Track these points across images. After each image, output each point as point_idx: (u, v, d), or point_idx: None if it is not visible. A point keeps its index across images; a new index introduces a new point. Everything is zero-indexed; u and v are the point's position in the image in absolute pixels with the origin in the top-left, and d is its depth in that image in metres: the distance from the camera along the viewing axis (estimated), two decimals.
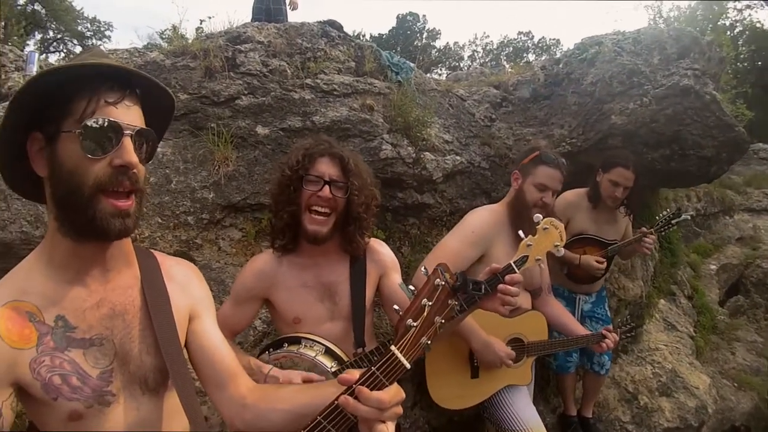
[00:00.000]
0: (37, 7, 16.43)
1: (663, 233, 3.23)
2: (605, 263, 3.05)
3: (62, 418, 0.95)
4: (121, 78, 0.94)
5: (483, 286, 1.65)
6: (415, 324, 0.99)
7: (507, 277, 1.62)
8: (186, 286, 1.19)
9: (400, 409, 0.95)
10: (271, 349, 1.85)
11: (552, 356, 3.30)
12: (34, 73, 3.20)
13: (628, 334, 2.88)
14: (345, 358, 1.81)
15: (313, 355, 1.75)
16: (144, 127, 0.97)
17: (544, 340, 2.48)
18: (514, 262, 1.70)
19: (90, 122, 0.89)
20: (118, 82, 0.94)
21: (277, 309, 1.89)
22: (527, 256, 1.72)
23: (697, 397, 4.05)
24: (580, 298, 3.32)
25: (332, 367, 1.74)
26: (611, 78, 3.57)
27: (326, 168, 1.78)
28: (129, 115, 0.94)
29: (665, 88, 3.45)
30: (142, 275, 1.10)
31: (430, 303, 1.01)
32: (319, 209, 1.75)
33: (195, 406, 1.06)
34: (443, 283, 1.02)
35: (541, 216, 1.75)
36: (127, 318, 1.04)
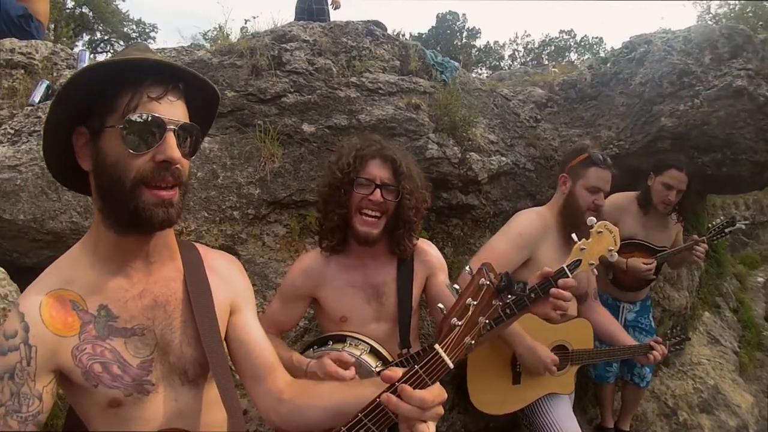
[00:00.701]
0: (85, 10, 17.15)
1: (714, 242, 3.10)
2: (653, 266, 2.94)
3: (102, 405, 0.97)
4: (165, 73, 0.94)
5: (536, 290, 1.61)
6: (459, 323, 0.98)
7: (560, 282, 1.58)
8: (228, 279, 1.19)
9: (441, 410, 0.94)
10: (316, 347, 1.85)
11: (592, 365, 3.21)
12: None
13: (677, 347, 2.77)
14: (390, 359, 1.80)
15: (359, 353, 1.74)
16: (188, 121, 0.97)
17: (589, 348, 2.41)
18: (567, 266, 1.66)
19: (133, 117, 0.90)
20: (161, 77, 0.94)
21: (324, 307, 1.89)
22: (580, 261, 1.68)
23: (739, 416, 3.89)
24: (624, 307, 3.22)
25: (377, 366, 1.74)
26: (661, 78, 3.46)
27: (377, 171, 1.76)
28: (172, 110, 0.94)
29: (717, 89, 3.33)
30: (185, 267, 1.11)
31: (475, 302, 0.99)
32: (370, 212, 1.74)
33: (234, 399, 1.07)
34: (488, 282, 1.01)
35: (595, 219, 1.70)
36: (168, 309, 1.05)
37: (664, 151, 3.44)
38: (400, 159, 1.80)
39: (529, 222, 2.35)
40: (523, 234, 2.30)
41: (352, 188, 1.75)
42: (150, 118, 0.90)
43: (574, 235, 1.69)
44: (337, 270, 1.87)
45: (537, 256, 2.29)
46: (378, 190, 1.73)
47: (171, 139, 0.92)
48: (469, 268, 1.07)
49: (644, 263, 2.90)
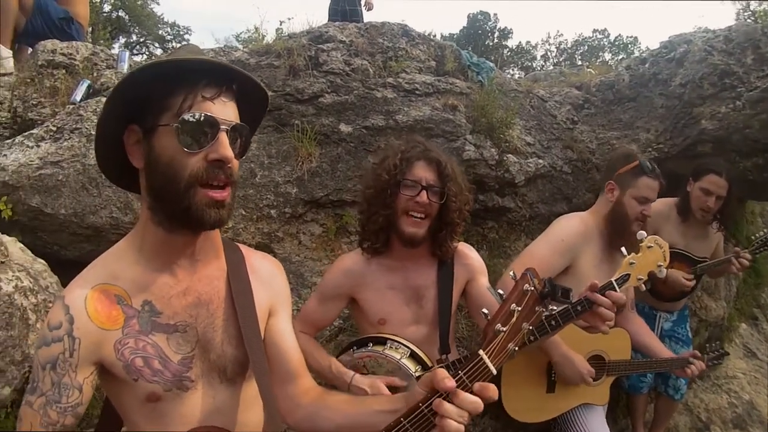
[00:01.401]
0: (121, 13, 17.68)
1: (757, 254, 2.99)
2: (693, 282, 2.85)
3: (140, 399, 0.98)
4: (219, 74, 0.95)
5: (582, 303, 1.57)
6: (503, 329, 0.96)
7: (608, 294, 1.54)
8: (269, 281, 1.20)
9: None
10: (355, 347, 1.84)
11: (625, 375, 3.13)
12: (125, 71, 3.38)
13: (715, 362, 2.67)
14: (429, 363, 1.78)
15: (398, 357, 1.73)
16: (239, 122, 0.98)
17: (626, 359, 2.34)
18: (616, 280, 1.62)
19: (187, 116, 0.91)
20: (215, 78, 0.94)
21: (363, 309, 1.87)
22: (629, 275, 1.64)
23: None
24: (660, 316, 3.13)
25: (416, 371, 1.72)
26: (701, 79, 3.35)
27: (423, 172, 1.74)
28: (225, 110, 0.95)
29: (760, 90, 3.22)
30: (229, 267, 1.11)
31: (519, 308, 0.97)
32: (415, 214, 1.72)
33: (272, 398, 1.08)
34: (532, 288, 0.99)
35: (645, 233, 1.66)
36: (211, 308, 1.06)
37: (704, 155, 3.34)
38: (445, 161, 1.78)
39: (572, 228, 2.29)
40: (566, 240, 2.24)
41: (398, 190, 1.74)
42: (204, 118, 0.91)
43: (623, 249, 1.66)
44: (378, 271, 1.85)
45: (578, 263, 2.24)
46: (424, 192, 1.72)
47: (224, 138, 0.93)
48: (513, 273, 1.04)
49: (684, 277, 2.81)
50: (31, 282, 2.26)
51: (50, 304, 2.31)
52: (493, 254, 3.14)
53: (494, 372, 0.94)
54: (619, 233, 2.19)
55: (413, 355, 1.76)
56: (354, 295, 1.88)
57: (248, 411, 1.10)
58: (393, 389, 1.68)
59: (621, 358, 2.32)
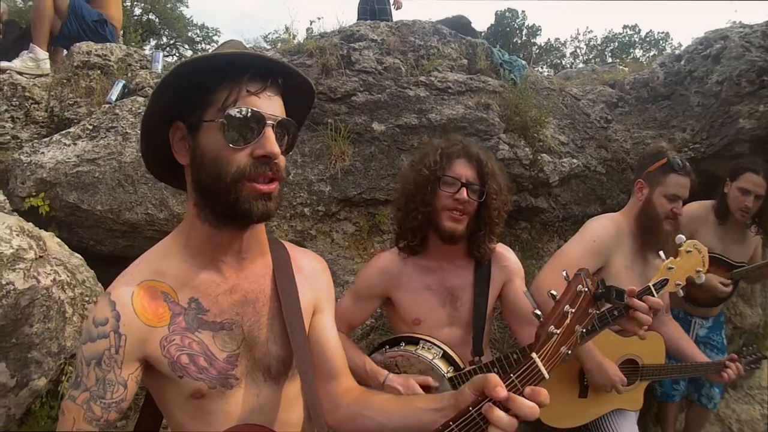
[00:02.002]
0: (152, 16, 18.09)
1: None
2: (731, 288, 2.76)
3: (184, 396, 0.97)
4: (263, 68, 0.93)
5: (619, 308, 1.52)
6: (557, 331, 0.92)
7: (646, 299, 1.49)
8: (313, 279, 1.18)
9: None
10: (388, 347, 1.83)
11: (658, 382, 3.04)
12: (160, 71, 3.41)
13: (752, 366, 2.57)
14: (461, 365, 1.75)
15: (431, 357, 1.70)
16: (285, 117, 0.95)
17: (660, 364, 2.27)
18: (653, 285, 1.57)
19: (232, 112, 0.89)
20: (260, 73, 0.92)
21: (398, 308, 1.85)
22: (667, 280, 1.59)
23: None
24: (695, 322, 3.03)
25: (448, 372, 1.69)
26: (739, 76, 3.25)
27: (463, 170, 1.72)
28: (271, 105, 0.93)
29: None
30: (274, 265, 1.10)
31: (572, 310, 0.93)
32: (455, 213, 1.69)
33: (316, 397, 1.07)
34: (585, 289, 0.95)
35: (684, 237, 1.61)
36: (257, 306, 1.04)
37: (741, 155, 3.24)
38: (486, 159, 1.75)
39: (604, 228, 2.24)
40: (598, 240, 2.19)
41: (438, 186, 1.71)
42: (249, 113, 0.89)
43: (662, 253, 1.62)
44: (414, 272, 1.82)
45: (610, 264, 2.19)
46: (464, 189, 1.69)
47: (270, 134, 0.91)
48: (566, 273, 1.00)
49: (721, 282, 2.72)
50: (68, 276, 2.29)
51: (87, 298, 2.34)
52: (526, 255, 3.09)
53: (547, 376, 0.90)
54: (650, 233, 2.14)
55: (445, 356, 1.74)
56: (389, 294, 1.85)
57: (289, 410, 1.09)
58: (425, 390, 1.66)
59: (655, 362, 2.26)
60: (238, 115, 0.89)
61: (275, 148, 0.91)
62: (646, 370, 2.23)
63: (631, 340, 2.18)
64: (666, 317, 2.41)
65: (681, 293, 1.64)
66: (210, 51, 1.05)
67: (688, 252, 1.60)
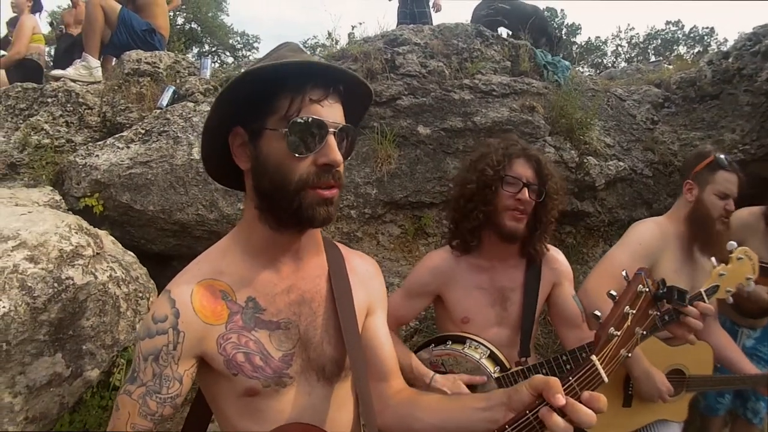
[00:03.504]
0: (194, 25, 18.59)
1: None
2: None
3: (238, 393, 0.97)
4: (325, 75, 0.92)
5: (670, 313, 1.48)
6: (617, 333, 0.89)
7: (698, 305, 1.45)
8: (367, 281, 1.18)
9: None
10: (434, 345, 1.82)
11: (702, 394, 2.93)
12: (208, 77, 3.50)
13: None
14: (507, 365, 1.73)
15: (478, 357, 1.69)
16: (346, 123, 0.95)
17: (707, 374, 2.20)
18: (705, 291, 1.54)
19: (296, 120, 0.89)
20: (322, 80, 0.92)
21: (447, 306, 1.85)
22: (718, 286, 1.56)
23: None
24: (742, 332, 2.92)
25: (495, 372, 1.68)
26: None
27: (523, 170, 1.71)
28: (333, 112, 0.92)
29: None
30: (330, 266, 1.10)
31: (633, 311, 0.91)
32: (516, 213, 1.69)
33: (370, 399, 1.06)
34: (646, 290, 0.92)
35: (735, 244, 1.59)
36: (313, 306, 1.04)
37: None
38: (544, 160, 1.75)
39: (650, 231, 2.19)
40: (644, 243, 2.14)
41: (501, 186, 1.70)
42: (313, 121, 0.89)
43: (713, 259, 1.60)
44: (466, 270, 1.82)
45: (658, 268, 2.13)
46: (525, 189, 1.68)
47: (332, 141, 0.91)
48: (626, 273, 0.98)
49: None
50: (123, 273, 2.37)
51: (140, 294, 2.42)
52: (571, 260, 3.00)
53: (606, 380, 0.87)
54: (702, 233, 2.09)
55: (492, 356, 1.72)
56: (440, 292, 1.85)
57: (340, 411, 1.09)
58: (471, 389, 1.65)
59: (702, 372, 2.19)
60: (301, 123, 0.89)
61: (338, 156, 0.91)
62: (693, 380, 2.16)
63: (678, 349, 2.13)
64: (714, 325, 2.33)
65: (730, 300, 1.62)
66: (268, 55, 1.03)
67: (739, 259, 1.58)
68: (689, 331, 1.45)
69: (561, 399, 0.83)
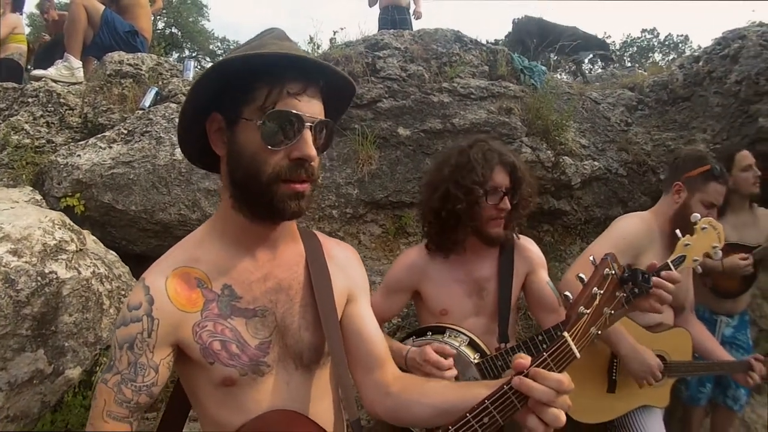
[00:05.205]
0: (174, 30, 18.32)
1: None
2: (751, 261, 2.77)
3: (215, 383, 0.97)
4: (306, 68, 0.91)
5: (640, 286, 1.54)
6: (587, 311, 0.94)
7: (664, 273, 1.50)
8: (346, 268, 1.17)
9: (568, 401, 0.87)
10: (414, 337, 1.86)
11: (684, 385, 3.03)
12: (191, 79, 3.52)
13: None
14: (487, 352, 1.77)
15: (458, 344, 1.73)
16: (323, 118, 0.95)
17: (688, 360, 2.28)
18: (672, 261, 1.58)
19: (272, 113, 0.88)
20: (302, 73, 0.91)
21: (426, 300, 1.89)
22: (685, 256, 1.60)
23: None
24: (721, 321, 3.02)
25: (475, 358, 1.72)
26: (758, 75, 3.26)
27: (502, 178, 1.76)
28: (311, 106, 0.92)
29: None
30: (307, 254, 1.10)
31: (601, 292, 0.96)
32: (498, 220, 1.75)
33: (349, 384, 1.06)
34: (612, 272, 0.97)
35: (699, 215, 1.63)
36: (290, 293, 1.04)
37: (764, 155, 3.25)
38: (518, 164, 1.81)
39: (633, 226, 2.25)
40: (627, 238, 2.20)
41: (485, 199, 1.75)
42: (289, 115, 0.89)
43: (678, 231, 1.64)
44: (442, 265, 1.87)
45: (640, 263, 2.19)
46: (506, 198, 1.74)
47: (308, 136, 0.90)
48: (593, 258, 1.04)
49: (741, 258, 2.73)
50: (106, 270, 2.36)
51: (122, 292, 2.41)
52: (549, 258, 3.08)
53: (578, 355, 0.91)
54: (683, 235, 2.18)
55: (472, 344, 1.76)
56: (418, 288, 1.90)
57: (321, 399, 1.09)
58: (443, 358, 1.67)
59: (682, 358, 2.27)
60: (276, 116, 0.88)
61: (312, 151, 0.90)
62: (674, 366, 2.23)
63: (659, 335, 2.18)
64: (691, 317, 2.41)
65: (699, 269, 1.64)
66: (253, 40, 1.01)
67: (703, 229, 1.62)
68: (659, 302, 1.50)
69: (522, 360, 0.87)
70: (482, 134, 2.39)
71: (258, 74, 0.90)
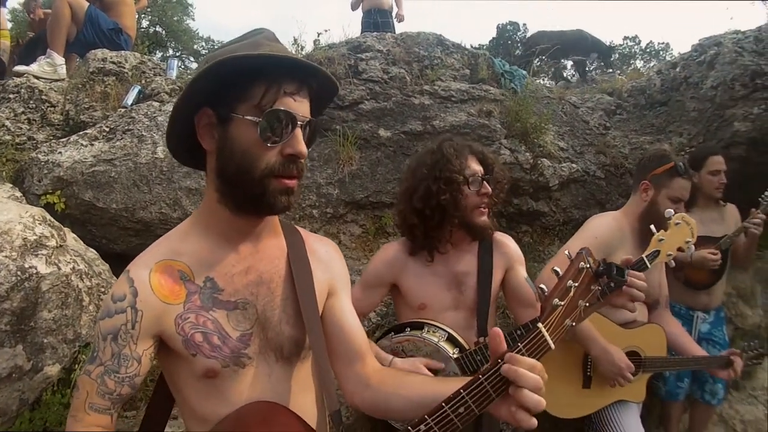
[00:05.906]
0: (159, 29, 18.05)
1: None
2: (719, 254, 2.84)
3: (197, 375, 0.99)
4: (301, 71, 0.96)
5: (614, 281, 1.58)
6: (561, 303, 0.96)
7: (632, 273, 1.56)
8: (327, 262, 1.20)
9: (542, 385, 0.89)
10: (393, 333, 1.87)
11: (662, 381, 3.09)
12: (174, 77, 3.52)
13: (754, 362, 2.64)
14: (466, 346, 1.79)
15: (436, 340, 1.75)
16: (311, 117, 1.00)
17: (662, 356, 2.34)
18: (646, 257, 1.64)
19: (270, 111, 0.92)
20: (297, 74, 0.95)
21: (404, 294, 1.91)
22: (659, 251, 1.65)
23: None
24: (698, 317, 3.08)
25: (454, 353, 1.74)
26: (733, 81, 3.35)
27: (476, 165, 1.82)
28: (302, 106, 0.96)
29: None
30: (289, 248, 1.12)
31: (575, 284, 0.98)
32: (482, 208, 1.79)
33: (330, 377, 1.09)
34: (587, 266, 0.99)
35: (672, 211, 1.67)
36: (271, 286, 1.07)
37: (739, 158, 3.33)
38: (486, 150, 1.88)
39: (606, 226, 2.31)
40: (600, 237, 2.25)
41: (468, 188, 1.79)
42: (285, 114, 0.93)
43: (652, 227, 1.67)
44: (421, 259, 1.89)
45: (612, 261, 2.26)
46: (485, 183, 1.79)
47: (299, 134, 0.94)
48: (568, 252, 1.07)
49: (710, 252, 2.81)
50: (86, 266, 2.35)
51: (102, 289, 2.40)
52: (527, 258, 3.12)
53: (552, 346, 0.93)
54: (652, 232, 2.24)
55: (450, 339, 1.79)
56: (396, 282, 1.91)
57: (302, 392, 1.11)
58: (433, 373, 1.70)
59: (657, 354, 2.32)
60: (275, 115, 0.92)
61: (303, 149, 0.95)
62: (649, 361, 2.26)
63: (633, 332, 2.22)
64: (665, 313, 2.45)
65: (672, 263, 1.69)
66: (243, 38, 1.04)
67: (677, 224, 1.66)
68: (631, 299, 1.55)
69: (500, 340, 0.89)
70: (447, 134, 2.44)
71: (255, 73, 0.93)
